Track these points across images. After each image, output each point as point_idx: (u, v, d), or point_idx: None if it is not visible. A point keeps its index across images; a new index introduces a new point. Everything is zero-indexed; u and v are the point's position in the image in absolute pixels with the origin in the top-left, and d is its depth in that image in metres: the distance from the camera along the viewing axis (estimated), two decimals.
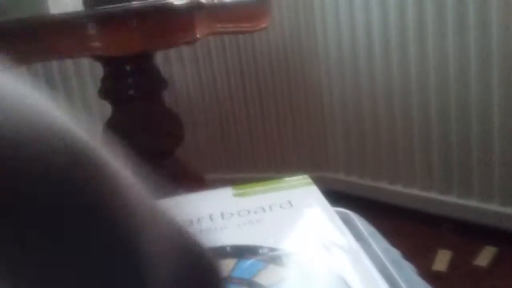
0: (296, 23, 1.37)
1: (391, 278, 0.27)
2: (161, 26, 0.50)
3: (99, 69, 0.67)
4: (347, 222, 0.34)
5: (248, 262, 0.26)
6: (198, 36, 0.51)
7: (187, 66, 1.44)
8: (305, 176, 0.41)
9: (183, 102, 1.44)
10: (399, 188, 1.30)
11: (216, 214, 0.34)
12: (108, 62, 0.66)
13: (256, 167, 1.50)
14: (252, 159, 1.51)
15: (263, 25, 0.66)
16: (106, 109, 0.69)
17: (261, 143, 1.51)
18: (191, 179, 0.69)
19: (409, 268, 0.29)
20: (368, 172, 1.37)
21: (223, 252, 0.28)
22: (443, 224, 1.19)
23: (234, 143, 1.53)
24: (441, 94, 1.17)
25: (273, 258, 0.27)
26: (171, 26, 0.50)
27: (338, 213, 0.34)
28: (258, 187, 0.40)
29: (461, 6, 1.08)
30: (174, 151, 0.73)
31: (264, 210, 0.34)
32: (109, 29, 0.46)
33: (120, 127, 0.68)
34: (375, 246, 0.31)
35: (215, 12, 0.56)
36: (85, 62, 1.26)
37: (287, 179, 0.41)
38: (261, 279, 0.24)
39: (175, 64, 1.41)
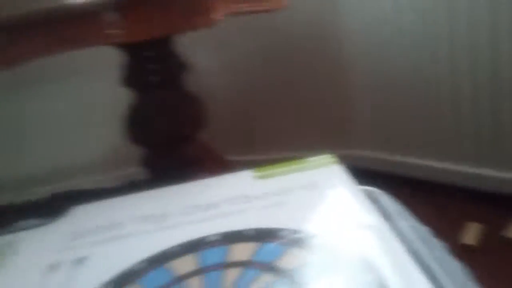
0: (317, 3, 1.34)
1: (420, 257, 0.26)
2: (178, 10, 0.49)
3: (114, 56, 0.67)
4: (373, 200, 0.32)
5: (269, 246, 0.26)
6: (215, 18, 0.50)
7: (208, 50, 1.42)
8: (329, 155, 0.40)
9: (205, 86, 1.44)
10: (428, 162, 1.28)
11: (237, 197, 0.33)
12: (128, 48, 0.66)
13: (279, 147, 1.49)
14: (275, 139, 1.50)
15: (278, 6, 0.64)
16: (126, 96, 0.69)
17: (283, 122, 1.50)
18: (214, 162, 0.69)
19: (439, 246, 0.28)
20: (395, 147, 1.34)
21: (244, 235, 0.27)
22: (473, 197, 1.16)
23: (257, 124, 1.52)
24: (470, 65, 1.13)
25: (295, 241, 0.26)
26: (187, 10, 0.49)
27: (364, 191, 0.33)
28: (280, 169, 0.39)
29: None
30: (197, 135, 0.72)
31: (286, 192, 0.33)
32: (128, 15, 0.45)
33: (142, 114, 0.68)
34: (402, 224, 0.30)
35: None
36: (102, 50, 1.26)
37: (310, 159, 0.40)
38: (282, 263, 0.24)
39: (196, 49, 1.40)
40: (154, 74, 0.66)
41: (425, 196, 1.14)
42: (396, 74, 1.25)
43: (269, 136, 1.50)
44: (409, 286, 0.21)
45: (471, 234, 1.02)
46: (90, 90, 1.35)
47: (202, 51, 1.43)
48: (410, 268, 0.22)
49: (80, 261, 0.28)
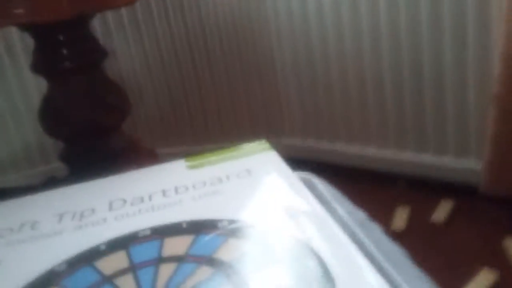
0: None
1: (359, 240, 0.26)
2: None
3: (29, 40, 0.61)
4: (309, 186, 0.32)
5: (206, 238, 0.24)
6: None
7: (129, 34, 1.36)
8: (262, 141, 0.39)
9: (128, 74, 1.38)
10: (355, 149, 1.32)
11: (170, 189, 0.32)
12: (38, 31, 0.60)
13: (210, 138, 1.47)
14: (205, 130, 1.48)
15: None
16: (42, 84, 0.63)
17: (213, 112, 1.48)
18: (142, 154, 0.66)
19: (376, 229, 0.28)
20: (324, 135, 1.37)
21: (177, 228, 0.26)
22: (398, 181, 1.22)
23: (185, 114, 1.48)
24: (393, 52, 1.18)
25: (233, 231, 0.24)
26: None
27: (299, 177, 0.33)
28: (213, 157, 0.37)
29: None
30: (120, 125, 0.68)
31: (221, 180, 0.32)
32: None
33: (58, 103, 0.63)
34: (339, 209, 0.30)
35: None
36: (16, 34, 1.16)
37: (244, 145, 0.39)
38: (222, 254, 0.22)
39: (115, 33, 1.34)
40: (67, 59, 0.61)
41: (355, 183, 1.18)
42: (320, 64, 1.28)
43: (199, 127, 1.47)
44: (350, 268, 0.20)
45: (400, 218, 1.07)
46: (11, 79, 1.24)
47: (123, 37, 1.37)
48: (351, 251, 0.22)
49: None
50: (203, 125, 1.46)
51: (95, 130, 0.65)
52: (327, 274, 0.20)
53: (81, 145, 0.64)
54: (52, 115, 0.64)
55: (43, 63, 0.61)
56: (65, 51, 0.62)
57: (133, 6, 1.28)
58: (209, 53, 1.39)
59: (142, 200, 0.31)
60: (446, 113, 1.13)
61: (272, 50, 1.35)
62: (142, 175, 0.36)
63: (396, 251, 0.26)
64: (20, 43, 1.22)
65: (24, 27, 0.60)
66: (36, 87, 1.20)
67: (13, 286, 0.22)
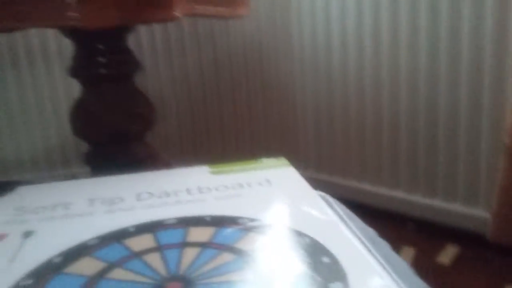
0: (272, 15, 1.37)
1: (369, 251, 0.27)
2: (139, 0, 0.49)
3: (64, 45, 0.64)
4: (325, 202, 0.34)
5: (228, 230, 0.26)
6: (176, 14, 0.50)
7: (159, 52, 1.41)
8: (282, 158, 0.41)
9: (153, 88, 1.42)
10: (367, 187, 1.33)
11: (194, 188, 0.34)
12: (80, 38, 0.64)
13: (226, 160, 1.49)
14: (221, 152, 1.51)
15: (242, 12, 0.66)
16: (72, 87, 0.66)
17: (232, 135, 1.50)
18: (160, 164, 0.68)
19: (385, 245, 0.30)
20: (337, 170, 1.38)
21: (201, 220, 0.27)
22: (407, 223, 1.22)
23: (203, 133, 1.51)
24: (410, 95, 1.20)
25: (253, 227, 0.26)
26: (149, 1, 0.49)
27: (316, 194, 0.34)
28: (235, 167, 0.39)
29: (455, 14, 1.11)
30: (144, 135, 0.71)
31: (242, 186, 0.34)
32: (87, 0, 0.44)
33: (90, 107, 0.66)
34: (352, 224, 0.31)
35: None
36: (52, 38, 1.22)
37: (264, 160, 0.41)
38: (242, 245, 0.24)
39: (147, 49, 1.39)
40: (104, 67, 0.65)
41: (362, 219, 1.18)
42: (339, 99, 1.30)
43: (216, 149, 1.50)
44: (361, 265, 0.22)
45: (406, 258, 1.07)
46: (41, 81, 1.29)
47: (153, 54, 1.41)
48: (363, 252, 0.23)
49: (27, 234, 0.26)
50: (221, 147, 1.49)
51: (121, 136, 0.68)
52: (339, 268, 0.21)
53: (106, 149, 0.67)
54: (83, 118, 0.67)
55: (81, 68, 0.65)
56: (102, 59, 0.65)
57: (166, 25, 1.33)
58: (233, 80, 1.43)
59: (167, 195, 0.33)
60: (458, 161, 1.14)
61: (294, 82, 1.38)
62: (167, 174, 0.38)
63: (404, 266, 0.27)
64: (56, 48, 1.28)
65: (68, 32, 0.64)
66: (64, 91, 1.24)
67: (46, 255, 0.24)
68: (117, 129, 0.68)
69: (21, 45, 1.29)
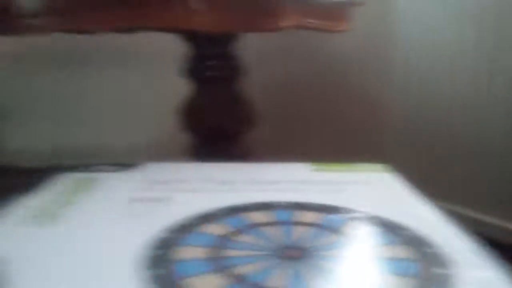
0: (374, 31, 1.37)
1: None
2: (249, 9, 0.52)
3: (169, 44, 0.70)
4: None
5: (332, 216, 0.28)
6: (282, 25, 0.54)
7: (261, 58, 1.46)
8: (386, 164, 0.43)
9: (251, 93, 1.48)
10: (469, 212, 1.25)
11: (298, 180, 0.36)
12: (198, 41, 0.70)
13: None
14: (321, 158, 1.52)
15: (344, 27, 0.68)
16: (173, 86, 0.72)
17: (330, 145, 1.51)
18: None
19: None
20: (440, 194, 1.32)
21: (309, 206, 0.30)
22: None
23: (299, 142, 1.54)
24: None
25: (357, 217, 0.28)
26: (258, 10, 0.52)
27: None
28: (337, 167, 0.42)
29: None
30: (242, 135, 0.76)
31: (346, 183, 0.36)
32: (213, 6, 0.49)
33: (199, 105, 0.72)
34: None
35: (304, 5, 0.59)
36: (161, 39, 1.31)
37: (365, 164, 0.43)
38: (348, 229, 0.26)
39: (249, 55, 1.45)
40: (215, 69, 0.70)
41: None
42: (442, 121, 1.26)
43: (312, 151, 1.52)
44: (470, 262, 0.23)
45: None
46: (150, 78, 1.40)
47: (255, 59, 1.47)
48: (472, 248, 0.24)
49: (160, 200, 0.31)
50: (319, 153, 1.51)
51: (224, 134, 0.73)
52: (442, 256, 0.23)
53: (210, 144, 0.72)
54: (189, 114, 0.73)
55: (195, 69, 0.71)
56: (212, 62, 0.71)
57: (272, 34, 1.39)
58: (330, 89, 1.45)
59: (274, 183, 0.36)
60: None
61: (394, 95, 1.37)
62: (274, 167, 0.41)
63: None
64: (171, 50, 1.38)
65: (186, 36, 0.71)
66: (170, 89, 1.34)
67: (181, 217, 0.28)
68: (218, 128, 0.74)
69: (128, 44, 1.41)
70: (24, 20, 0.40)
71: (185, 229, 0.26)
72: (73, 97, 1.43)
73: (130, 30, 0.61)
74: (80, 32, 0.56)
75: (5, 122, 1.23)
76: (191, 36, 0.69)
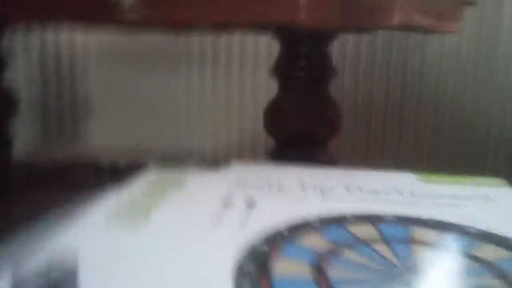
0: (473, 36, 1.27)
1: None
2: (363, 3, 0.48)
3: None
4: None
5: (455, 236, 0.24)
6: (393, 22, 0.50)
7: (353, 61, 1.42)
8: (501, 179, 0.37)
9: (344, 95, 1.43)
10: None
11: (405, 192, 0.32)
12: (289, 41, 0.68)
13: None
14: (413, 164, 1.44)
15: (453, 29, 0.62)
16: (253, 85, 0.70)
17: (408, 152, 1.43)
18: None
19: None
20: None
21: (423, 222, 0.26)
22: None
23: (379, 146, 1.47)
24: None
25: (483, 237, 0.24)
26: (367, 5, 0.49)
27: None
28: (445, 178, 0.37)
29: None
30: (328, 140, 0.72)
31: (458, 197, 0.31)
32: (324, 0, 0.46)
33: (285, 107, 0.69)
34: None
35: (414, 1, 0.54)
36: (252, 38, 1.31)
37: (477, 177, 0.37)
38: (476, 253, 0.22)
39: (342, 57, 1.40)
40: (304, 70, 0.67)
41: None
42: None
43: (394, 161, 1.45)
44: None
45: None
46: (240, 78, 1.41)
47: (342, 61, 1.43)
48: None
49: (251, 204, 0.28)
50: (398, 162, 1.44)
51: (305, 138, 0.69)
52: None
53: (295, 148, 0.69)
54: (275, 115, 0.71)
55: (284, 69, 0.68)
56: (303, 62, 0.68)
57: (369, 35, 1.34)
58: (420, 97, 1.37)
59: (377, 193, 0.32)
60: None
61: (492, 113, 1.26)
62: (373, 174, 0.37)
63: None
64: (244, 49, 1.38)
65: (281, 34, 0.68)
66: (260, 89, 1.33)
67: (271, 225, 0.25)
68: (303, 130, 0.70)
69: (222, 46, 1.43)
70: (122, 14, 0.39)
71: (279, 241, 0.23)
72: (160, 97, 1.47)
73: (227, 28, 0.59)
74: (176, 26, 0.55)
75: (89, 119, 1.28)
76: (287, 34, 0.66)
